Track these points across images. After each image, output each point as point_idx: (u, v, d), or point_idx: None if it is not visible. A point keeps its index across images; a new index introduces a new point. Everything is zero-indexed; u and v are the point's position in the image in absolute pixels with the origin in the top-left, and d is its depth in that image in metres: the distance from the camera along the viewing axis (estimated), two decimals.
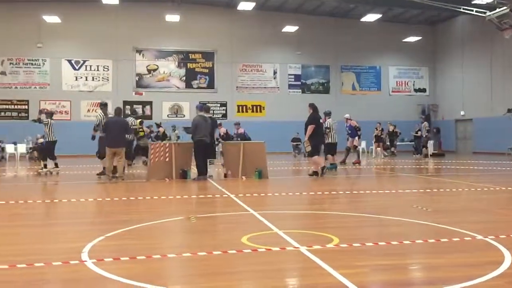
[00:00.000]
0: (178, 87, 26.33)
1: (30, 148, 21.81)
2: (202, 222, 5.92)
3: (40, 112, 13.28)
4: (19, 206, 7.30)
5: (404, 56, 28.75)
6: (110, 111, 12.72)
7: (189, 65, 26.40)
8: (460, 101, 26.74)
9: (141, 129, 15.21)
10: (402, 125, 24.05)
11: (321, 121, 11.99)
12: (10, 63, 24.45)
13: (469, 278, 3.36)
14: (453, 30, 27.55)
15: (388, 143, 22.63)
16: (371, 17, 24.81)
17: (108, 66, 25.41)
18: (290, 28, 25.68)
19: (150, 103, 25.80)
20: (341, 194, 8.75)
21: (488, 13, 19.88)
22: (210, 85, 26.56)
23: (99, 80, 25.33)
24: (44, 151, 13.81)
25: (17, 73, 24.49)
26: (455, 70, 27.27)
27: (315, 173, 11.65)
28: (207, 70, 26.56)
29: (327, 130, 13.71)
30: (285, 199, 8.33)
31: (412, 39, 27.45)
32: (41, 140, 20.22)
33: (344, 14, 26.96)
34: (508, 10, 18.95)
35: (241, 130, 16.79)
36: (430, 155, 21.80)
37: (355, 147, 16.98)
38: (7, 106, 24.34)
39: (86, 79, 25.20)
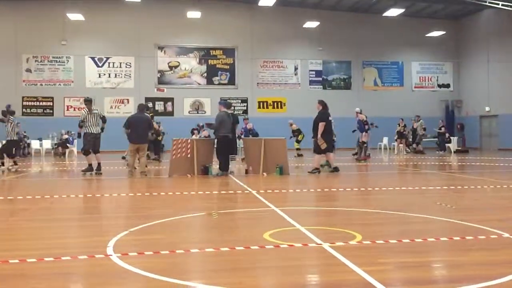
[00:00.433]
0: (199, 84, 26.47)
1: (55, 144, 22.25)
2: (224, 217, 5.96)
3: (4, 111, 12.94)
4: (45, 200, 7.45)
5: (427, 51, 28.30)
6: (133, 108, 12.83)
7: (210, 62, 26.50)
8: (485, 97, 26.21)
9: None
10: (425, 121, 23.68)
11: (330, 118, 11.86)
12: (36, 61, 24.95)
13: (495, 276, 3.31)
14: (478, 24, 26.98)
15: (411, 140, 22.35)
16: (393, 12, 24.48)
17: (130, 63, 25.70)
18: (311, 24, 25.53)
19: (171, 99, 26.01)
20: (362, 190, 8.68)
21: None
22: (231, 82, 26.62)
23: (121, 77, 25.65)
24: (4, 150, 13.08)
25: (42, 71, 24.98)
26: (480, 65, 26.71)
27: (335, 169, 11.61)
28: (228, 67, 26.63)
29: None
30: (306, 195, 8.32)
31: (435, 33, 26.98)
32: (66, 136, 20.60)
33: (365, 9, 26.68)
34: None
35: (250, 126, 16.82)
36: (454, 152, 21.45)
37: (363, 142, 16.73)
38: (32, 103, 24.85)
39: (109, 76, 25.55)
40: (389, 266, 3.72)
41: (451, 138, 22.44)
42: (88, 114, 11.59)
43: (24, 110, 24.60)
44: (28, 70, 24.87)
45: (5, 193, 8.61)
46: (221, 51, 26.56)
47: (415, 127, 22.13)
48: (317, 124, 11.48)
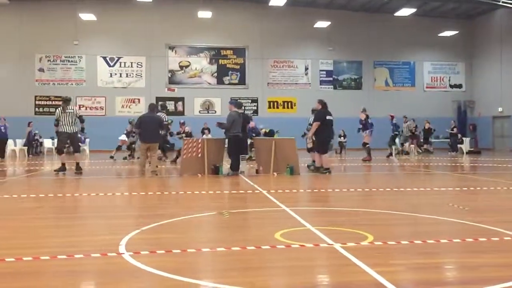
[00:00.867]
0: (210, 83, 26.54)
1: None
2: (235, 217, 5.97)
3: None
4: (57, 199, 7.52)
5: (440, 51, 28.09)
6: (144, 108, 12.89)
7: (221, 61, 26.56)
8: (498, 97, 25.95)
9: None
10: (436, 122, 23.54)
11: (328, 117, 11.70)
12: (48, 60, 25.19)
13: (508, 278, 3.27)
14: (492, 24, 26.72)
15: (422, 141, 22.19)
16: (405, 12, 24.35)
17: (141, 63, 25.84)
18: (321, 24, 25.48)
19: (182, 99, 26.11)
20: (373, 191, 8.64)
21: None
22: (241, 81, 26.65)
23: (132, 77, 25.80)
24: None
25: (54, 70, 25.22)
26: (493, 65, 26.46)
27: (327, 170, 11.56)
28: (238, 66, 26.66)
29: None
30: (317, 195, 8.30)
31: (448, 33, 26.78)
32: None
33: (377, 9, 26.55)
34: None
35: (252, 124, 16.77)
36: (466, 153, 21.27)
37: (365, 143, 16.38)
38: (45, 102, 25.09)
39: (120, 76, 25.71)
40: (401, 267, 3.70)
41: (463, 139, 22.25)
42: (62, 113, 11.33)
43: (36, 109, 24.87)
44: (41, 70, 25.13)
45: (19, 191, 8.70)
46: (231, 51, 26.61)
47: (426, 127, 21.98)
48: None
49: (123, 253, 3.96)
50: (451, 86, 28.49)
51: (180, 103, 26.13)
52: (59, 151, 11.77)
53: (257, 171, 11.80)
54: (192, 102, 26.10)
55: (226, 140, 11.69)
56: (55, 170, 11.76)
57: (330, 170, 11.61)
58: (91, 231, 5.14)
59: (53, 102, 25.10)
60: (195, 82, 26.44)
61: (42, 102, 25.05)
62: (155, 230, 5.03)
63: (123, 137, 17.84)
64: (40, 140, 22.38)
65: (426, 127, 22.04)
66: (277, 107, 26.73)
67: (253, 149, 14.42)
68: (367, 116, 16.56)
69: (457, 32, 26.84)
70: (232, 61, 26.68)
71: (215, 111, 26.10)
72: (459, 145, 21.99)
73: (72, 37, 25.02)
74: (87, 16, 23.58)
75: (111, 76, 25.68)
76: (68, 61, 25.36)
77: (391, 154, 18.26)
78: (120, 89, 25.61)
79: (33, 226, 5.39)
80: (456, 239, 4.56)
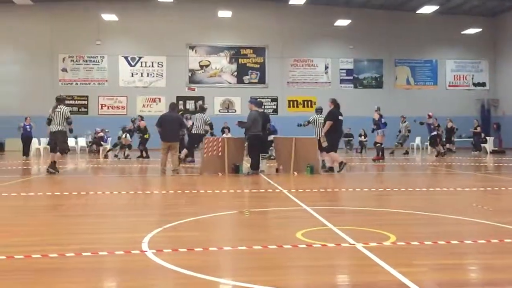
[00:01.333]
0: (230, 83, 26.62)
1: (90, 142, 22.77)
2: (256, 216, 5.98)
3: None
4: (81, 197, 7.65)
5: (463, 49, 27.63)
6: (165, 107, 12.90)
7: (241, 61, 26.61)
8: None
9: None
10: (459, 121, 23.16)
11: (340, 118, 11.67)
12: (71, 60, 25.62)
13: None
14: None
15: (445, 140, 21.84)
16: (427, 9, 24.01)
17: (162, 62, 26.07)
18: (342, 22, 25.30)
19: (202, 98, 26.24)
20: (395, 190, 8.55)
21: None
22: (261, 80, 26.66)
23: (153, 76, 26.05)
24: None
25: (77, 70, 25.63)
26: None
27: (330, 169, 11.48)
28: (258, 66, 26.68)
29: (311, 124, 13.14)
30: (337, 195, 8.26)
31: (471, 31, 26.31)
32: (101, 134, 21.08)
33: (397, 7, 26.24)
34: None
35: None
36: (490, 152, 20.88)
37: (376, 143, 16.25)
38: (68, 102, 25.42)
39: (142, 75, 25.99)
40: (425, 268, 3.66)
41: (487, 138, 21.85)
42: (52, 112, 11.33)
43: None
44: (64, 70, 25.56)
45: (44, 189, 8.88)
46: (251, 50, 26.63)
47: (449, 127, 21.60)
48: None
49: (146, 251, 4.01)
50: (474, 85, 27.99)
51: (200, 102, 26.25)
52: (51, 149, 11.80)
53: (277, 170, 11.80)
54: (212, 101, 26.22)
55: (246, 139, 11.71)
56: (48, 168, 11.56)
57: (334, 169, 11.53)
58: (114, 229, 5.21)
59: (76, 102, 25.53)
60: (215, 81, 26.55)
61: (66, 102, 25.41)
62: (176, 228, 5.07)
63: (127, 136, 17.86)
64: None
65: (449, 126, 21.68)
66: (297, 106, 26.65)
67: (271, 147, 14.38)
68: (381, 116, 16.43)
69: (480, 29, 26.35)
70: (252, 60, 26.71)
71: (235, 110, 26.16)
72: (482, 145, 21.59)
73: (95, 37, 25.38)
74: (109, 17, 23.89)
75: (132, 75, 25.97)
76: (91, 61, 25.74)
77: (439, 153, 18.18)
78: (141, 89, 25.89)
79: (57, 223, 5.49)
80: (481, 240, 4.49)
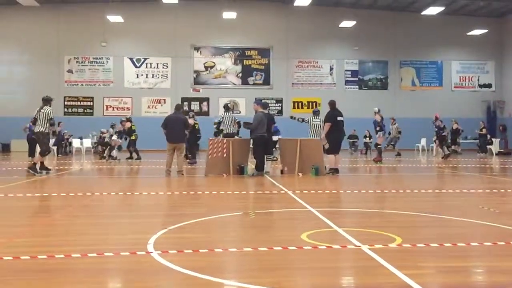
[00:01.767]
0: (235, 84, 26.64)
1: (95, 143, 22.83)
2: (261, 217, 5.98)
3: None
4: (87, 198, 7.67)
5: (468, 50, 27.51)
6: (170, 108, 12.89)
7: (245, 62, 26.62)
8: None
9: None
10: (465, 122, 23.06)
11: (339, 118, 11.67)
12: (77, 62, 25.72)
13: None
14: None
15: (450, 141, 21.75)
16: (432, 10, 23.91)
17: (167, 64, 26.13)
18: (347, 23, 25.26)
19: (207, 99, 26.29)
20: (400, 192, 8.53)
21: None
22: (266, 82, 26.66)
23: (158, 77, 26.11)
24: None
25: (83, 71, 25.73)
26: None
27: (336, 171, 11.43)
28: (263, 67, 26.68)
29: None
30: (342, 196, 8.24)
31: (477, 32, 26.19)
32: (106, 135, 21.11)
33: (403, 8, 26.18)
34: None
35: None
36: (496, 154, 20.78)
37: (377, 144, 16.28)
38: (73, 103, 25.63)
39: (147, 76, 26.05)
40: (431, 270, 3.65)
41: (493, 139, 21.74)
42: (37, 112, 11.25)
43: (65, 110, 25.41)
44: (70, 71, 25.67)
45: (49, 190, 8.91)
46: (256, 51, 26.64)
47: (454, 128, 21.51)
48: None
49: (152, 252, 4.02)
50: (480, 86, 27.86)
51: (205, 103, 26.31)
52: (43, 152, 11.59)
53: (282, 172, 11.79)
54: (217, 102, 26.23)
55: (251, 140, 11.71)
56: (40, 169, 11.56)
57: (338, 170, 11.52)
58: (119, 230, 5.22)
59: (82, 103, 25.62)
60: (220, 82, 26.58)
61: (71, 103, 25.59)
62: (182, 230, 5.08)
63: (115, 137, 17.74)
64: (69, 140, 22.85)
65: (454, 128, 21.59)
66: (302, 107, 26.61)
67: (274, 148, 14.36)
68: (382, 118, 16.48)
69: (486, 30, 26.22)
70: (256, 62, 26.72)
71: (240, 111, 26.16)
72: (488, 146, 21.48)
73: (100, 39, 25.47)
74: (114, 18, 23.97)
75: (137, 77, 26.04)
76: (96, 62, 25.84)
77: (445, 155, 18.10)
78: (146, 90, 25.96)
79: (63, 224, 5.52)
80: (487, 242, 4.46)
